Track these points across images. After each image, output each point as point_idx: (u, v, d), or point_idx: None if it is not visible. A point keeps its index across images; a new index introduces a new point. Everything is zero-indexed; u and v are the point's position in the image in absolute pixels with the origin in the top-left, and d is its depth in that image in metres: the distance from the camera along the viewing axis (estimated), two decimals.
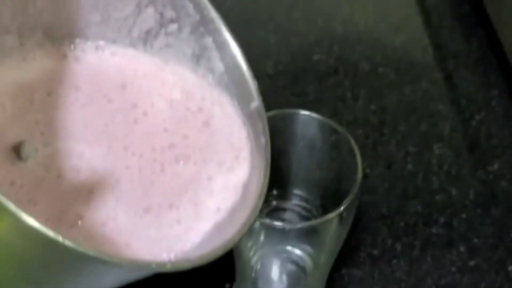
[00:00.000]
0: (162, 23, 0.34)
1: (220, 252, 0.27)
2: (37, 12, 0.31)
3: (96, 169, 0.30)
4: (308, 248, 0.37)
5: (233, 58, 0.34)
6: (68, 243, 0.21)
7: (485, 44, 0.60)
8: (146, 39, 0.34)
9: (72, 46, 0.33)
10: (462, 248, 0.46)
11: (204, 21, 0.34)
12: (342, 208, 0.31)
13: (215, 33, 0.34)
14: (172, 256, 0.28)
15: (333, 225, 0.32)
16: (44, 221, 0.27)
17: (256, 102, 0.33)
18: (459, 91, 0.57)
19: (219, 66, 0.34)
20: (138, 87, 0.34)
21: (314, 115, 0.35)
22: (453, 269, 0.45)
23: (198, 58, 0.34)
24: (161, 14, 0.33)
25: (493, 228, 0.47)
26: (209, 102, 0.34)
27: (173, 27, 0.34)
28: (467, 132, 0.53)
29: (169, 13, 0.33)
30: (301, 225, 0.31)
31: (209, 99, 0.34)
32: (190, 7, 0.33)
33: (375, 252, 0.46)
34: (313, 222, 0.31)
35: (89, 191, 0.30)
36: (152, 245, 0.29)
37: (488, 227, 0.48)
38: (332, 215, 0.31)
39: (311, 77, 0.57)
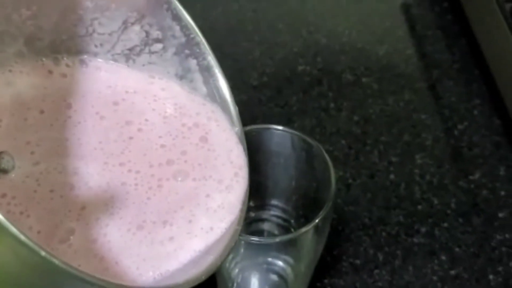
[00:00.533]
0: (147, 42, 0.34)
1: (204, 277, 0.27)
2: (21, 21, 0.31)
3: (91, 185, 0.30)
4: (288, 258, 0.37)
5: (216, 82, 0.34)
6: (51, 259, 0.21)
7: (468, 54, 0.61)
8: (129, 56, 0.34)
9: (56, 61, 0.33)
10: (443, 257, 0.47)
11: (189, 44, 0.34)
12: (317, 220, 0.32)
13: (200, 56, 0.34)
14: (157, 274, 0.28)
15: (309, 236, 0.33)
16: (36, 234, 0.28)
17: (236, 127, 0.33)
18: (442, 101, 0.57)
19: (202, 88, 0.34)
20: (130, 103, 0.34)
21: (288, 129, 0.36)
22: (435, 278, 0.46)
23: (181, 78, 0.35)
24: (147, 33, 0.34)
25: (474, 237, 0.48)
26: (205, 117, 0.34)
27: (158, 46, 0.34)
28: (449, 142, 0.54)
29: (155, 33, 0.34)
30: (278, 239, 0.31)
31: (204, 114, 0.34)
32: (177, 29, 0.34)
33: (357, 262, 0.47)
34: (289, 235, 0.31)
35: (82, 207, 0.29)
36: (141, 263, 0.28)
37: (470, 236, 0.48)
38: (306, 228, 0.31)
39: (295, 88, 0.58)
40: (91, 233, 0.29)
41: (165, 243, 0.29)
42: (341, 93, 0.57)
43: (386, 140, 0.54)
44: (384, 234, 0.48)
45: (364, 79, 0.58)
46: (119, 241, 0.29)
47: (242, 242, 0.33)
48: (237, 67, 0.59)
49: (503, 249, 0.47)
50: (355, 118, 0.55)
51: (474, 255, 0.47)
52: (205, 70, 0.34)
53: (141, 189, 0.31)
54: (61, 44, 0.33)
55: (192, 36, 0.34)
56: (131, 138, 0.32)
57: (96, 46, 0.33)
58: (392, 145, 0.53)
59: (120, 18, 0.33)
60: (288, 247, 0.33)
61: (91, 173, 0.31)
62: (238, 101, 0.57)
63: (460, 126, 0.55)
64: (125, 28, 0.33)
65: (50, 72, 0.33)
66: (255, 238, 0.31)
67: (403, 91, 0.58)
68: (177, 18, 0.33)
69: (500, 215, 0.49)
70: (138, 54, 0.34)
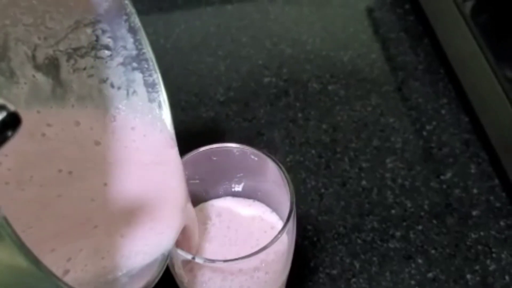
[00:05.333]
0: (95, 46, 0.33)
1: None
2: None
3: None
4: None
5: (159, 99, 0.35)
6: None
7: (432, 54, 0.61)
8: (72, 55, 0.33)
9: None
10: (420, 261, 0.47)
11: (139, 58, 0.34)
12: (273, 241, 0.31)
13: (146, 72, 0.34)
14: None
15: (272, 252, 0.32)
16: None
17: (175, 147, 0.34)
18: (409, 103, 0.57)
19: (144, 99, 0.34)
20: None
21: (240, 146, 0.36)
22: (412, 282, 0.45)
23: (120, 88, 0.34)
24: (97, 38, 0.33)
25: (450, 237, 0.48)
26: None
27: (105, 53, 0.34)
28: (419, 143, 0.54)
29: (106, 40, 0.33)
30: (237, 260, 0.31)
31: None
32: (130, 41, 0.33)
33: (334, 272, 0.46)
34: (248, 256, 0.31)
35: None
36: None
37: (445, 236, 0.48)
38: (267, 247, 0.31)
39: (262, 100, 0.57)
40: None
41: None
42: (308, 102, 0.57)
43: (355, 146, 0.54)
44: (359, 241, 0.48)
45: (330, 87, 0.58)
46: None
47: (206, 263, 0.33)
48: (203, 83, 0.59)
49: (479, 247, 0.47)
50: (324, 126, 0.55)
51: (451, 256, 0.47)
52: (150, 86, 0.34)
53: None
54: (1, 30, 0.31)
55: (143, 51, 0.34)
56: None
57: (39, 38, 0.32)
58: (362, 151, 0.53)
59: (74, 17, 0.32)
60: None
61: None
62: (205, 118, 0.57)
63: (428, 127, 0.55)
64: (76, 28, 0.33)
65: (32, 134, 0.32)
66: (219, 261, 0.31)
67: (370, 96, 0.57)
68: (133, 31, 0.33)
69: (474, 213, 0.49)
70: (82, 56, 0.33)
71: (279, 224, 0.37)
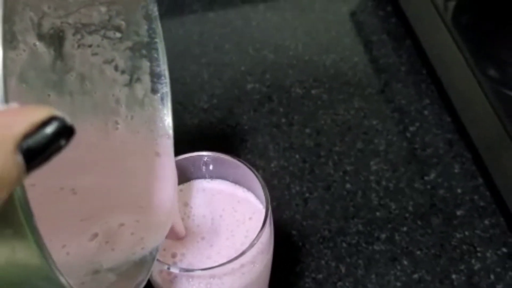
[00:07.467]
0: (106, 25, 0.33)
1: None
2: None
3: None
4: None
5: (162, 91, 0.34)
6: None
7: (414, 55, 0.61)
8: (79, 30, 0.32)
9: None
10: (405, 262, 0.47)
11: (149, 47, 0.34)
12: (250, 246, 0.31)
13: (155, 62, 0.34)
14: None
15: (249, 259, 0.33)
16: None
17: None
18: (392, 104, 0.57)
19: (147, 89, 0.34)
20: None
21: (216, 154, 0.36)
22: (398, 284, 0.46)
23: (124, 72, 0.34)
24: (110, 18, 0.33)
25: (435, 238, 0.48)
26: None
27: (115, 35, 0.33)
28: (403, 144, 0.54)
29: (119, 22, 0.33)
30: (214, 268, 0.31)
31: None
32: (144, 28, 0.33)
33: (320, 276, 0.46)
34: (226, 263, 0.31)
35: None
36: None
37: (430, 237, 0.48)
38: (245, 253, 0.31)
39: (246, 107, 0.57)
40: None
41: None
42: (292, 107, 0.57)
43: (339, 150, 0.54)
44: (344, 245, 0.48)
45: (313, 91, 0.58)
46: None
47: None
48: (186, 90, 0.59)
49: (464, 247, 0.47)
50: (307, 131, 0.55)
51: (436, 256, 0.47)
52: (156, 76, 0.34)
53: None
54: None
55: (155, 40, 0.33)
56: None
57: (49, 7, 0.31)
58: (346, 154, 0.53)
59: None
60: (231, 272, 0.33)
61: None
62: (189, 126, 0.57)
63: (412, 128, 0.55)
64: (91, 4, 0.32)
65: None
66: (198, 270, 0.31)
67: (353, 99, 0.58)
68: (148, 18, 0.33)
69: (458, 213, 0.49)
70: (90, 33, 0.33)
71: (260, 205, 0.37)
